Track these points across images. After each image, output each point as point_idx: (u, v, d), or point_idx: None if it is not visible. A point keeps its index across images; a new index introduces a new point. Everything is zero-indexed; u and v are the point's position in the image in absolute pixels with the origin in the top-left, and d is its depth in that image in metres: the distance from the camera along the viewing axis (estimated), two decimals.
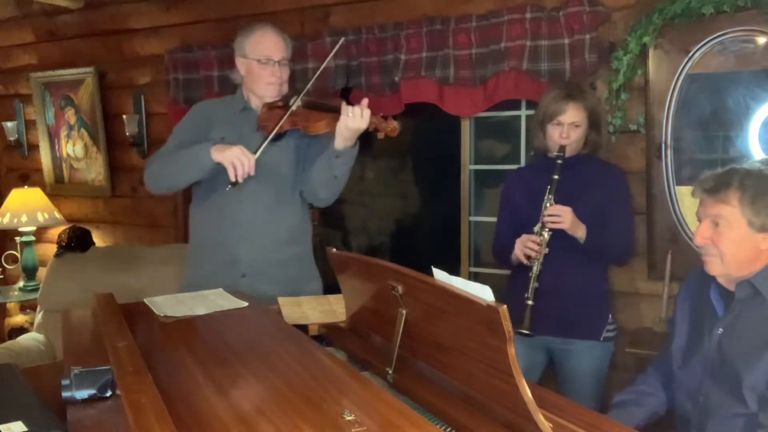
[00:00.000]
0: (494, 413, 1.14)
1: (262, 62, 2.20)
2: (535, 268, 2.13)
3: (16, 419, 1.11)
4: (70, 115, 4.13)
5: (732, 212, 1.53)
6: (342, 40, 2.27)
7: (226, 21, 3.46)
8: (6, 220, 3.95)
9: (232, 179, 2.04)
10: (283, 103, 2.22)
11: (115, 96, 3.96)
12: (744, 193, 1.52)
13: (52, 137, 4.24)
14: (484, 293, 1.11)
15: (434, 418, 1.20)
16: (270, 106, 2.24)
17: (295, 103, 2.17)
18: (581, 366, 2.24)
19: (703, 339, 1.62)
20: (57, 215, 4.10)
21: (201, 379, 1.26)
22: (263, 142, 2.11)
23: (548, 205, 2.14)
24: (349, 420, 1.04)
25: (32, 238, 4.06)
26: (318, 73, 2.27)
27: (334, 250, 1.65)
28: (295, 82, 3.17)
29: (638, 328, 2.61)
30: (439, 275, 1.25)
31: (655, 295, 2.57)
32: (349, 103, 2.10)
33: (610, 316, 2.28)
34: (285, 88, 2.27)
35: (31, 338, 3.41)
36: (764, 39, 2.35)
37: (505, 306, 1.05)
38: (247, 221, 2.21)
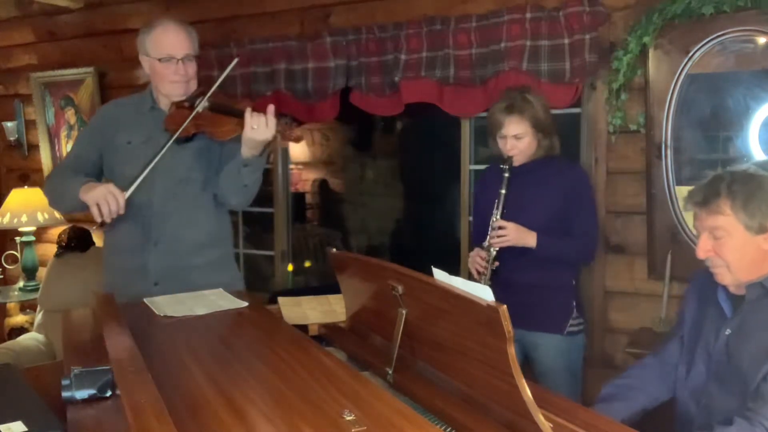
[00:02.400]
0: (494, 413, 1.14)
1: (164, 60, 2.11)
2: (483, 283, 2.12)
3: (16, 419, 1.11)
4: (70, 115, 4.13)
5: (727, 221, 1.53)
6: (236, 60, 2.15)
7: (226, 21, 3.46)
8: (6, 220, 3.94)
9: (98, 220, 1.96)
10: (190, 104, 2.13)
11: (115, 96, 3.93)
12: (735, 200, 1.52)
13: (52, 137, 4.24)
14: (484, 293, 1.11)
15: (434, 418, 1.20)
16: (177, 106, 2.14)
17: (200, 106, 2.07)
18: (548, 360, 2.26)
19: (709, 339, 1.62)
20: (57, 215, 4.09)
21: (201, 379, 1.26)
22: (143, 170, 2.01)
23: (494, 219, 2.17)
24: (349, 420, 1.04)
25: (32, 238, 4.06)
26: (222, 77, 2.13)
27: (334, 250, 1.65)
28: (295, 82, 3.19)
29: (638, 328, 2.61)
30: (439, 275, 1.25)
31: (655, 295, 2.57)
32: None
33: (575, 311, 2.27)
34: (193, 85, 2.17)
35: (31, 338, 3.41)
36: (764, 39, 2.35)
37: (505, 306, 1.05)
38: (156, 227, 2.12)
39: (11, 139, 4.32)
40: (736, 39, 2.38)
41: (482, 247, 2.20)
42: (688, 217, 2.49)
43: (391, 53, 2.99)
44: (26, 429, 1.08)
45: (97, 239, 3.97)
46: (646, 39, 2.46)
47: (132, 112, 2.24)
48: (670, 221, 2.53)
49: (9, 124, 4.30)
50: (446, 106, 2.94)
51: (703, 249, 1.58)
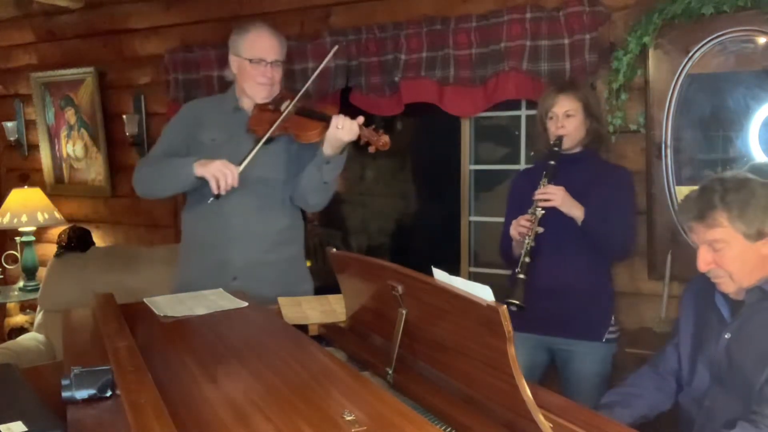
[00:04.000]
0: (494, 413, 1.14)
1: (255, 62, 2.20)
2: (526, 243, 2.12)
3: (16, 419, 1.11)
4: (70, 115, 4.13)
5: (725, 232, 1.52)
6: (336, 48, 2.30)
7: (226, 21, 3.46)
8: (6, 220, 3.95)
9: (215, 191, 2.05)
10: (274, 107, 2.22)
11: (115, 96, 3.96)
12: (730, 211, 1.51)
13: (52, 137, 4.24)
14: (484, 293, 1.11)
15: (434, 418, 1.20)
16: (261, 108, 2.23)
17: (288, 110, 2.17)
18: (584, 367, 2.24)
19: (709, 343, 1.62)
20: (57, 215, 4.10)
21: (201, 380, 1.26)
22: (250, 152, 2.12)
23: (542, 185, 2.16)
24: (349, 420, 1.04)
25: (32, 238, 4.06)
26: (312, 79, 2.27)
27: (334, 250, 1.65)
28: (295, 82, 3.19)
29: (638, 328, 2.61)
30: (439, 275, 1.25)
31: (655, 295, 2.57)
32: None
33: (613, 318, 2.27)
34: (276, 89, 2.27)
35: (31, 338, 3.41)
36: (764, 39, 2.35)
37: (505, 306, 1.05)
38: (238, 223, 2.21)
39: (11, 139, 4.32)
40: (736, 39, 2.38)
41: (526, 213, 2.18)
42: None
43: (391, 53, 2.99)
44: (26, 429, 1.08)
45: (98, 239, 3.98)
46: (646, 39, 2.46)
47: (215, 111, 2.31)
48: (670, 221, 2.53)
49: (9, 124, 4.30)
50: (446, 106, 2.93)
51: (704, 261, 1.57)
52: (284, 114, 2.16)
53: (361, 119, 2.07)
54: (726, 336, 1.58)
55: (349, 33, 3.08)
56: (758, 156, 2.40)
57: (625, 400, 1.73)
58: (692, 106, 2.50)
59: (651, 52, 2.50)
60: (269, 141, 2.18)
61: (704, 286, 1.66)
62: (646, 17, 2.47)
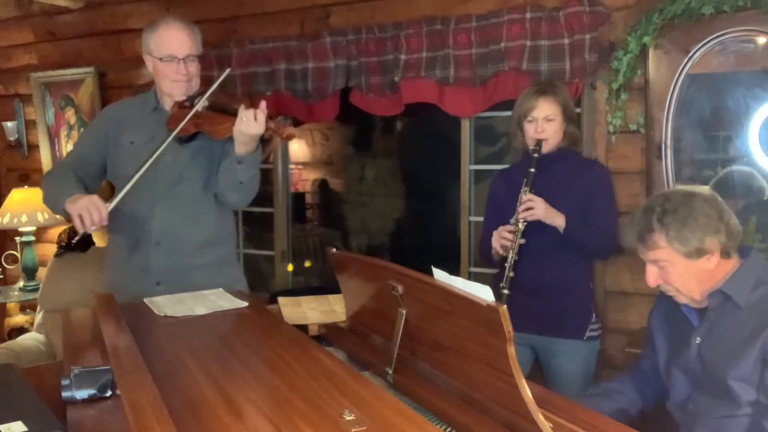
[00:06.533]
0: (494, 413, 1.14)
1: (166, 60, 2.12)
2: (510, 258, 2.13)
3: (16, 419, 1.11)
4: (70, 115, 4.13)
5: (665, 252, 1.56)
6: (228, 70, 2.14)
7: (226, 21, 3.46)
8: (6, 220, 3.94)
9: (79, 230, 1.96)
10: (190, 103, 2.14)
11: (115, 96, 3.95)
12: (668, 233, 1.54)
13: (52, 137, 4.24)
14: (484, 293, 1.11)
15: (434, 418, 1.20)
16: (180, 105, 2.16)
17: (200, 105, 2.09)
18: (566, 365, 2.25)
19: (682, 350, 1.65)
20: (57, 216, 4.09)
21: (201, 379, 1.26)
22: (134, 176, 2.01)
23: (523, 195, 2.16)
24: (349, 420, 1.04)
25: (32, 238, 4.06)
26: (221, 78, 2.11)
27: (334, 250, 1.65)
28: (295, 82, 3.19)
29: (638, 328, 2.61)
30: (439, 275, 1.25)
31: (655, 295, 2.56)
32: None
33: (594, 316, 2.28)
34: (195, 84, 2.19)
35: (31, 338, 3.41)
36: (764, 39, 2.35)
37: (505, 306, 1.05)
38: (159, 227, 2.14)
39: (11, 139, 4.33)
40: (736, 39, 2.38)
41: (509, 223, 2.17)
42: None
43: (391, 53, 2.99)
44: (26, 429, 1.09)
45: (98, 240, 3.98)
46: (646, 39, 2.46)
47: (136, 112, 2.25)
48: None
49: (9, 124, 4.30)
50: (446, 106, 2.93)
51: (652, 278, 1.63)
52: (194, 110, 2.08)
53: (263, 103, 1.97)
54: (696, 341, 1.62)
55: (349, 33, 3.08)
56: (758, 156, 2.40)
57: (607, 394, 1.79)
58: (692, 106, 2.50)
59: (651, 52, 2.50)
60: (189, 140, 2.12)
61: (671, 297, 1.69)
62: (646, 17, 2.47)
